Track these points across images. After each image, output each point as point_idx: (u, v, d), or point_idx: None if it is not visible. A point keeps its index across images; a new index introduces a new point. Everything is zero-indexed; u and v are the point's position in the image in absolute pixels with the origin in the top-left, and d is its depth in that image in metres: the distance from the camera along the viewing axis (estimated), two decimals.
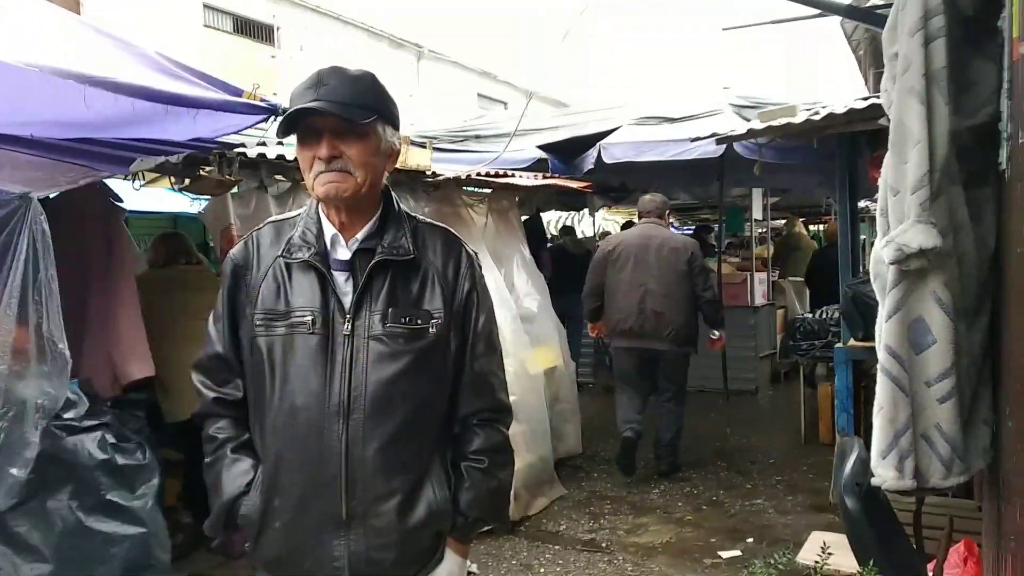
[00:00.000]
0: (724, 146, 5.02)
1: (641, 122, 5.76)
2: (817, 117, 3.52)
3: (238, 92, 2.79)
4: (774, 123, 3.72)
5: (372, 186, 1.55)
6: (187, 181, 3.41)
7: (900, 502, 2.10)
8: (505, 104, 27.23)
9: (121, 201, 3.64)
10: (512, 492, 2.61)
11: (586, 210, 10.74)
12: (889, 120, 1.84)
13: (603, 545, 4.08)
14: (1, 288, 2.32)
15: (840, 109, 3.44)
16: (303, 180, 4.15)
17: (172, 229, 5.42)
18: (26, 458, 2.31)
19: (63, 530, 2.40)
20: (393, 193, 1.65)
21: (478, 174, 4.97)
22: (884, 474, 1.74)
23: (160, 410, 4.03)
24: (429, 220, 1.69)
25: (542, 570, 3.80)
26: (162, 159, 2.81)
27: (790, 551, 2.58)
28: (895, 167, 1.81)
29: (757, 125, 3.88)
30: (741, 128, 4.14)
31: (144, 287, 3.72)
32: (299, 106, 1.47)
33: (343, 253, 1.57)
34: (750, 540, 4.07)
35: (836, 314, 5.68)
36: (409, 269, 1.56)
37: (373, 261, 1.54)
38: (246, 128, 2.89)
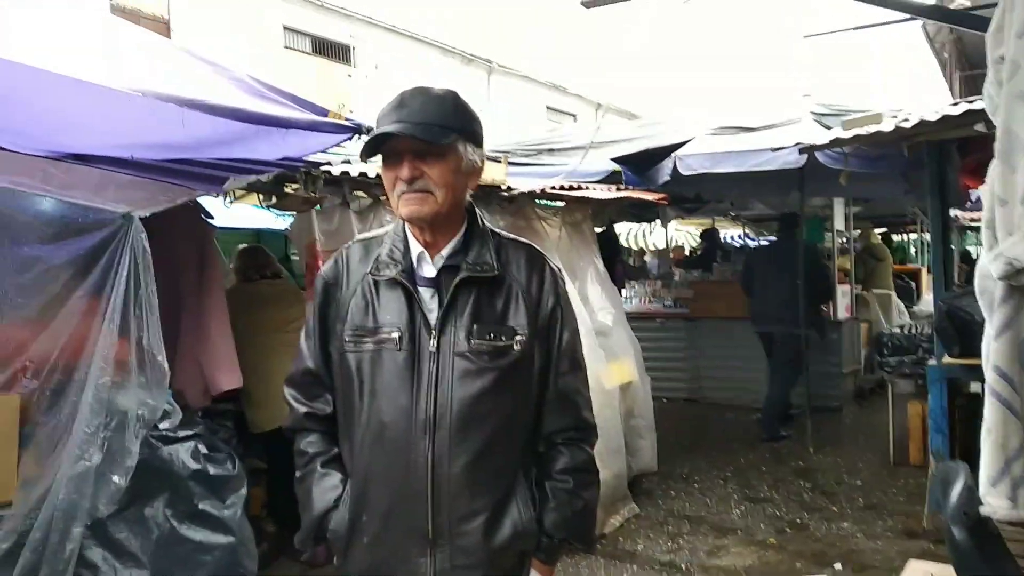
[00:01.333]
0: (806, 156, 4.89)
1: (718, 132, 5.66)
2: (908, 124, 3.38)
3: (324, 112, 2.87)
4: (861, 131, 3.60)
5: (454, 205, 1.56)
6: (274, 198, 3.52)
7: (1013, 533, 1.97)
8: (574, 116, 27.25)
9: (212, 218, 3.79)
10: None
11: (658, 221, 10.64)
12: (989, 126, 1.75)
13: (683, 567, 3.99)
14: (105, 303, 2.44)
15: (932, 115, 3.30)
16: (384, 197, 4.24)
17: (255, 244, 5.60)
18: (127, 466, 2.41)
19: (159, 537, 2.49)
20: (478, 210, 1.66)
21: (552, 187, 4.97)
22: (995, 503, 1.64)
23: (246, 420, 4.17)
24: (513, 236, 1.68)
25: None
26: (253, 178, 2.90)
27: None
28: (1003, 176, 1.72)
29: (843, 133, 3.76)
30: (824, 137, 4.01)
31: (232, 301, 3.85)
32: (378, 131, 1.50)
33: (429, 270, 1.58)
34: (837, 566, 3.91)
35: (927, 329, 5.44)
36: (493, 286, 1.56)
37: (458, 278, 1.54)
38: (331, 147, 2.97)
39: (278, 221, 7.08)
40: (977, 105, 3.12)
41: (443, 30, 21.43)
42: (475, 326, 1.52)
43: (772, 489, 5.18)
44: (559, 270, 1.67)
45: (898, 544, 4.14)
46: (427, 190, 1.51)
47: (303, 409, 1.68)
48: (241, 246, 4.68)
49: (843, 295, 7.76)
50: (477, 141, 1.58)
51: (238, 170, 3.02)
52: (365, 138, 1.86)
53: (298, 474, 1.68)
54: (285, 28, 18.00)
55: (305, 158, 3.05)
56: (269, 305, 4.19)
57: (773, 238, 13.87)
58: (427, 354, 1.52)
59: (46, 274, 2.65)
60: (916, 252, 16.47)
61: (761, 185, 7.02)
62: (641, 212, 9.16)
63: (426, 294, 1.57)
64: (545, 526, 1.57)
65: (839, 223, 7.79)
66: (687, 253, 12.29)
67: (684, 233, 14.14)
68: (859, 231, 11.25)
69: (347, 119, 2.80)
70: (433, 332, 1.52)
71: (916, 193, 6.35)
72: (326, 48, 19.00)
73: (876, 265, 9.31)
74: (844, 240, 8.49)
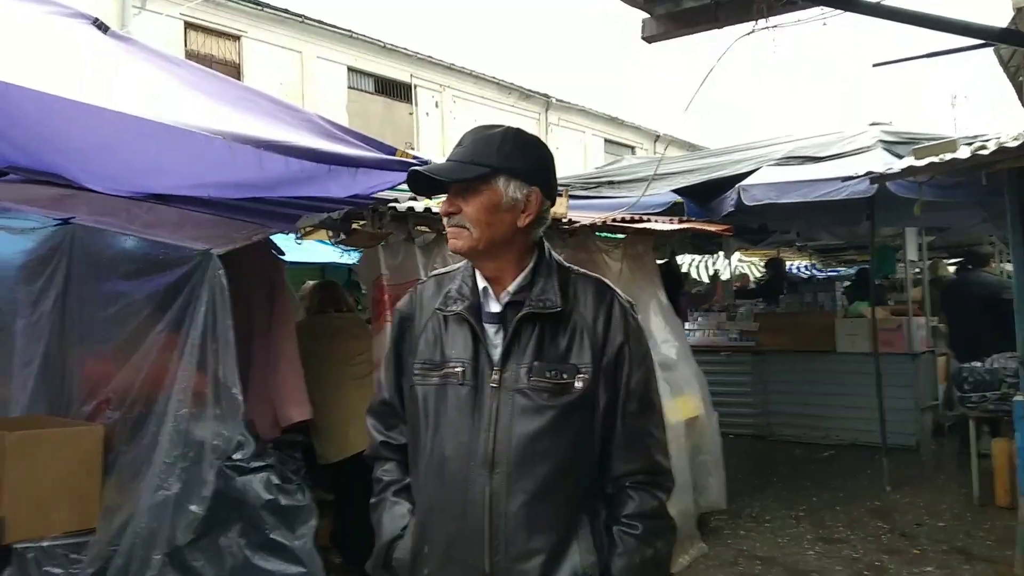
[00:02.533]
0: (876, 185, 4.77)
1: (783, 162, 5.58)
2: (986, 152, 3.26)
3: (392, 151, 2.94)
4: (936, 159, 3.49)
5: (494, 241, 1.54)
6: (342, 235, 3.61)
7: None
8: (633, 149, 27.24)
9: (283, 254, 3.90)
10: None
11: (721, 253, 10.48)
12: None
13: None
14: (184, 337, 2.53)
15: (1012, 142, 3.18)
16: (444, 231, 4.29)
17: (327, 279, 5.74)
18: (203, 496, 2.47)
19: (233, 566, 2.53)
20: (547, 245, 1.65)
21: (614, 219, 4.96)
22: None
23: (314, 452, 4.23)
24: (584, 271, 1.66)
25: None
26: (324, 215, 2.98)
27: None
28: None
29: (917, 162, 3.65)
30: (896, 165, 3.91)
31: (300, 334, 3.94)
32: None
33: (494, 306, 1.59)
34: None
35: (1011, 363, 5.19)
36: (558, 322, 1.54)
37: (520, 314, 1.54)
38: (399, 184, 3.04)
39: (343, 257, 7.24)
40: None
41: (501, 66, 21.83)
42: (536, 363, 1.51)
43: (847, 530, 4.97)
44: (630, 306, 1.62)
45: None
46: (462, 225, 1.54)
47: (380, 438, 1.73)
48: (312, 282, 4.79)
49: (918, 328, 7.48)
50: (526, 177, 1.55)
51: (310, 208, 3.13)
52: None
53: (372, 500, 1.74)
54: (349, 69, 18.60)
55: (373, 195, 3.13)
56: (337, 338, 4.27)
57: (842, 269, 13.48)
58: (489, 390, 1.52)
59: (129, 309, 2.77)
60: None
61: (828, 215, 6.86)
62: (703, 243, 9.05)
63: (491, 330, 1.57)
64: (612, 572, 1.51)
65: (912, 253, 7.53)
66: (751, 284, 12.03)
67: (747, 264, 13.89)
68: (930, 261, 10.88)
69: (414, 156, 2.87)
70: (495, 368, 1.53)
71: (994, 222, 6.11)
72: (388, 88, 19.54)
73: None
74: (917, 271, 8.20)
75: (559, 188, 5.26)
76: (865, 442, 7.10)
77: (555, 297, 1.55)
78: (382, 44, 18.94)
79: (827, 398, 7.59)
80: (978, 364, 5.45)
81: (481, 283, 1.61)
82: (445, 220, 1.58)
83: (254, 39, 15.81)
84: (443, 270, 1.73)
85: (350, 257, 7.48)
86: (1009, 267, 13.63)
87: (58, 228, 3.10)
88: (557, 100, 24.11)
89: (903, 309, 7.67)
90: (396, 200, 3.30)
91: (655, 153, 26.49)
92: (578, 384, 1.51)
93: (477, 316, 1.58)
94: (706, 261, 12.42)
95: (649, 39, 3.98)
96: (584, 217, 4.87)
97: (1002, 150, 3.22)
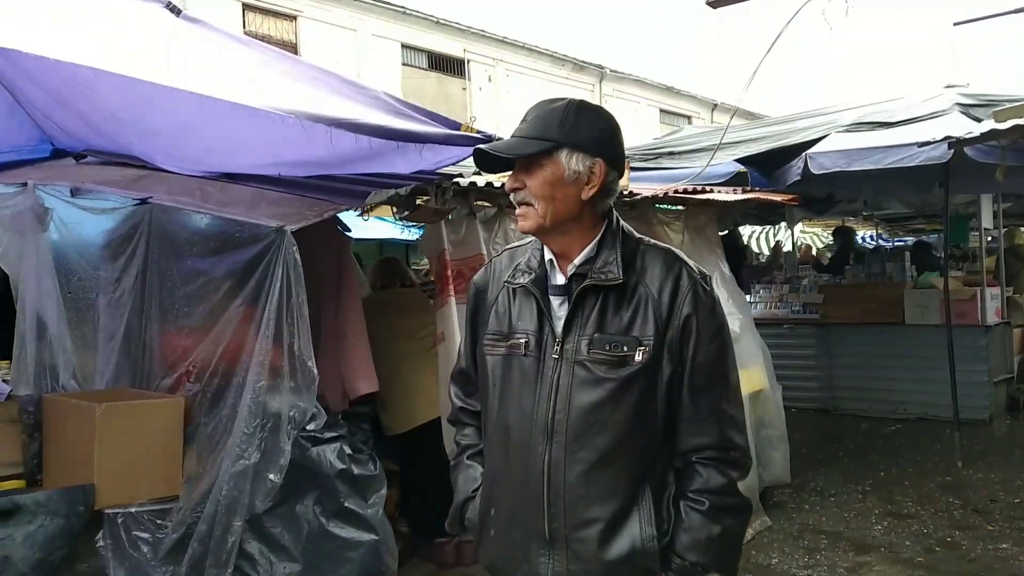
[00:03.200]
0: (951, 151, 4.59)
1: (853, 128, 5.38)
2: None
3: (456, 126, 2.95)
4: (1021, 121, 3.33)
5: (560, 215, 1.54)
6: (406, 211, 3.65)
7: None
8: (689, 118, 26.72)
9: (349, 231, 3.97)
10: None
11: (783, 223, 10.25)
12: None
13: None
14: (260, 312, 2.61)
15: None
16: (508, 206, 4.27)
17: (389, 255, 5.82)
18: (280, 465, 2.56)
19: (309, 533, 2.62)
20: (616, 216, 1.63)
21: (676, 191, 4.89)
22: None
23: (379, 423, 4.33)
24: (654, 242, 1.64)
25: None
26: (392, 192, 3.02)
27: None
28: None
29: (999, 125, 3.50)
30: (975, 129, 3.74)
31: (366, 309, 4.01)
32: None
33: (560, 278, 1.60)
34: None
35: None
36: (621, 294, 1.54)
37: (581, 286, 1.54)
38: (464, 159, 3.05)
39: (401, 232, 7.34)
40: None
41: (554, 38, 21.59)
42: (597, 335, 1.52)
43: (917, 505, 4.86)
44: (702, 278, 1.58)
45: None
46: (527, 202, 1.54)
47: (459, 404, 1.81)
48: (379, 258, 4.87)
49: (992, 298, 7.21)
50: (588, 149, 1.53)
51: (377, 184, 3.16)
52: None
53: (452, 463, 1.82)
54: (403, 46, 18.67)
55: (439, 170, 3.15)
56: (402, 313, 4.34)
57: (909, 238, 13.03)
58: (551, 361, 1.54)
59: (207, 285, 2.87)
60: None
61: (898, 182, 6.65)
62: (766, 214, 8.85)
63: (556, 302, 1.58)
64: (676, 546, 1.51)
65: (987, 220, 7.23)
66: (820, 257, 11.72)
67: (810, 235, 13.56)
68: (1004, 229, 10.42)
69: (479, 131, 2.87)
70: (557, 339, 1.54)
71: None
72: (442, 63, 19.55)
73: (1021, 266, 8.58)
74: (991, 239, 7.88)
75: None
76: (935, 416, 6.90)
77: (616, 269, 1.54)
78: (435, 19, 18.93)
79: (895, 371, 7.39)
80: None
81: (548, 255, 1.62)
82: (511, 196, 1.58)
83: (310, 18, 15.98)
84: (517, 243, 1.74)
85: (409, 233, 7.58)
86: None
87: (137, 208, 3.21)
88: (611, 71, 23.75)
89: (976, 279, 7.39)
90: (460, 175, 3.31)
91: (712, 123, 25.93)
92: (638, 357, 1.50)
93: (543, 289, 1.59)
94: (767, 232, 12.17)
95: (714, 4, 3.89)
96: (645, 189, 4.81)
97: None
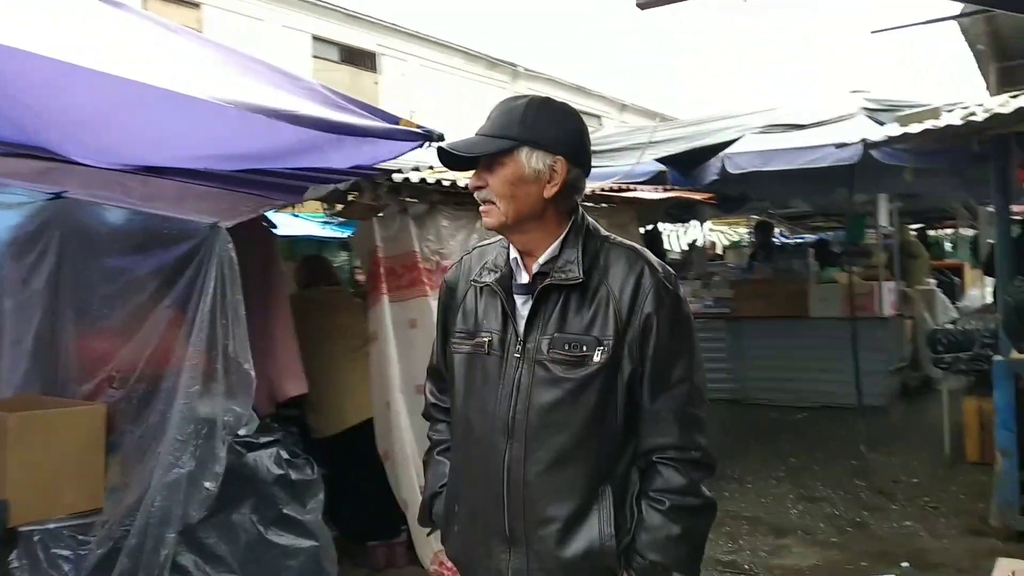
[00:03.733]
0: (860, 152, 4.85)
1: (766, 130, 5.61)
2: (979, 118, 3.33)
3: (395, 120, 2.90)
4: (932, 125, 3.56)
5: (522, 213, 1.53)
6: (338, 207, 3.57)
7: None
8: (599, 118, 27.21)
9: (275, 227, 3.84)
10: None
11: (694, 221, 10.58)
12: None
13: (745, 567, 3.96)
14: (193, 312, 2.49)
15: (1007, 108, 3.25)
16: (438, 202, 4.23)
17: (314, 252, 5.66)
18: (216, 472, 2.45)
19: (247, 542, 2.52)
20: (582, 214, 1.62)
21: (604, 189, 4.97)
22: None
23: (306, 426, 4.21)
24: (620, 240, 1.61)
25: None
26: (332, 187, 2.93)
27: None
28: None
29: (912, 128, 3.72)
30: (893, 131, 3.97)
31: (292, 308, 3.89)
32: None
33: (524, 277, 1.59)
34: (905, 564, 3.85)
35: (984, 325, 5.37)
36: (583, 293, 1.53)
37: (540, 285, 1.54)
38: (402, 154, 3.00)
39: (323, 229, 7.17)
40: None
41: (468, 35, 21.56)
42: (557, 334, 1.51)
43: (827, 488, 5.12)
44: (666, 276, 1.56)
45: (965, 542, 4.09)
46: (489, 200, 1.54)
47: (432, 400, 1.81)
48: (303, 255, 4.73)
49: (888, 292, 7.67)
50: (550, 147, 1.52)
51: (311, 179, 3.07)
52: (435, 144, 1.89)
53: (423, 458, 1.84)
54: (314, 38, 18.21)
55: (376, 165, 3.08)
56: (329, 312, 4.23)
57: (808, 236, 13.69)
58: (513, 360, 1.54)
59: (131, 285, 2.71)
60: (953, 247, 16.25)
61: (805, 182, 6.97)
62: (678, 212, 9.11)
63: (520, 301, 1.58)
64: (636, 544, 1.50)
65: (883, 219, 7.69)
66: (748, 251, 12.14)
67: (719, 233, 14.07)
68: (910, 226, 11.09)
69: (419, 126, 2.83)
70: (519, 338, 1.54)
71: (968, 189, 6.28)
72: (354, 56, 19.19)
73: (911, 262, 9.17)
74: (886, 236, 8.38)
75: None
76: (838, 404, 7.29)
77: (577, 268, 1.53)
78: (347, 12, 18.54)
79: (800, 362, 7.76)
80: (951, 326, 5.62)
81: (513, 254, 1.61)
82: (475, 194, 1.57)
83: (215, 7, 15.36)
84: (490, 240, 1.72)
85: (331, 230, 7.43)
86: (970, 232, 13.97)
87: (47, 203, 3.00)
88: (525, 69, 23.91)
89: (873, 274, 7.85)
90: (399, 171, 3.26)
91: (621, 123, 26.51)
92: (597, 357, 1.49)
93: (507, 287, 1.59)
94: (678, 231, 12.54)
95: (642, 6, 3.95)
96: None
97: (996, 116, 3.29)
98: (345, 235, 7.50)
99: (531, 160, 1.52)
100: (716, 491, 4.89)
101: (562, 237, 1.57)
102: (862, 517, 4.58)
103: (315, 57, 17.77)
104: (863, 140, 4.21)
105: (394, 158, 3.06)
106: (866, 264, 8.76)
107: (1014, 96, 4.09)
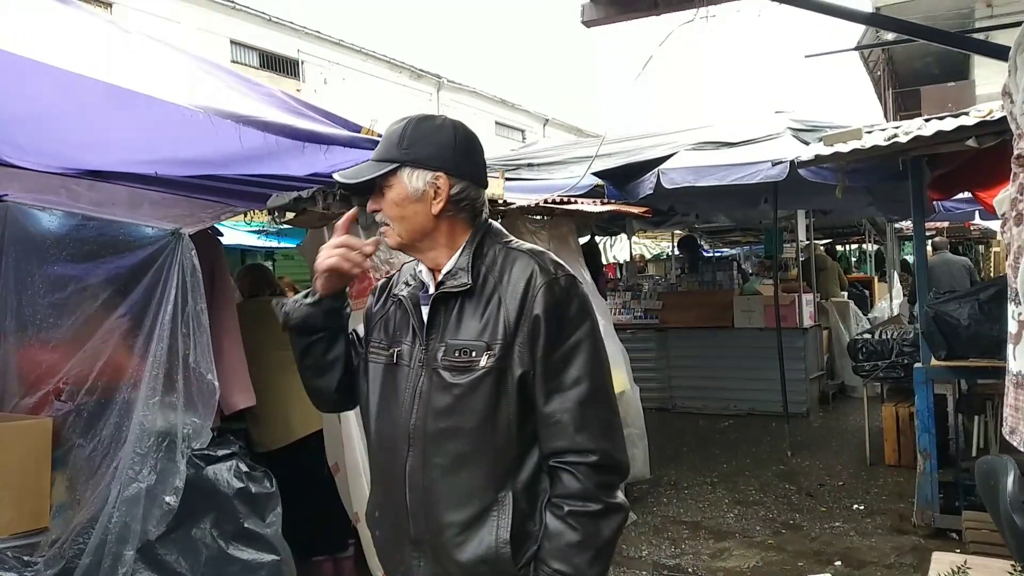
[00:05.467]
0: (786, 169, 5.10)
1: (699, 147, 5.84)
2: (904, 139, 3.57)
3: (357, 128, 2.89)
4: (859, 145, 3.79)
5: (414, 232, 1.56)
6: (286, 215, 3.49)
7: None
8: (523, 132, 27.52)
9: (221, 235, 3.73)
10: None
11: (622, 234, 10.83)
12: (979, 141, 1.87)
13: (689, 570, 4.08)
14: (151, 321, 2.40)
15: (927, 131, 3.50)
16: None
17: (255, 262, 5.51)
18: (176, 487, 2.37)
19: (208, 558, 2.45)
20: (485, 222, 1.63)
21: (547, 201, 5.05)
22: None
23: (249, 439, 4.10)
24: (519, 246, 1.60)
25: None
26: (295, 194, 2.89)
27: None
28: None
29: (842, 147, 3.95)
30: (822, 151, 4.20)
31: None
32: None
33: (432, 289, 1.61)
34: (838, 563, 4.06)
35: (898, 334, 5.71)
36: (475, 300, 1.54)
37: (433, 294, 1.56)
38: (362, 163, 2.98)
39: (259, 239, 6.99)
40: (969, 121, 3.35)
41: (392, 45, 21.46)
42: (450, 341, 1.53)
43: (760, 492, 5.33)
44: (559, 277, 1.52)
45: (891, 540, 4.33)
46: (385, 222, 1.58)
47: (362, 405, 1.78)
48: (245, 265, 4.61)
49: (806, 303, 8.05)
50: (428, 164, 1.53)
51: (265, 186, 3.01)
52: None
53: None
54: (232, 42, 17.77)
55: (333, 173, 3.05)
56: (273, 322, 4.09)
57: (727, 250, 14.20)
58: (414, 369, 1.56)
59: (81, 293, 2.60)
60: (859, 261, 17.18)
61: (729, 198, 7.25)
62: (607, 225, 9.32)
63: (425, 311, 1.59)
64: (541, 553, 1.49)
65: (801, 234, 8.09)
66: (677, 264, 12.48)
67: (642, 246, 14.41)
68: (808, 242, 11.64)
69: (379, 135, 2.82)
70: (420, 347, 1.57)
71: (879, 205, 6.67)
72: (274, 63, 18.82)
73: (820, 275, 9.64)
74: (801, 250, 8.81)
75: (493, 170, 5.30)
76: (761, 411, 7.62)
77: (466, 275, 1.54)
78: (267, 16, 18.19)
79: (725, 371, 8.06)
80: (869, 335, 5.95)
81: (420, 267, 1.63)
82: (375, 218, 1.60)
83: (127, 6, 14.79)
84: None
85: (264, 240, 7.24)
86: (872, 247, 14.71)
87: None
88: (449, 81, 23.97)
89: (793, 286, 8.23)
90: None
91: (544, 136, 26.87)
92: (483, 361, 1.49)
93: (416, 300, 1.61)
94: (604, 242, 12.79)
95: (588, 23, 4.06)
96: (519, 199, 4.93)
97: (918, 138, 3.54)
98: (279, 245, 7.34)
99: (412, 179, 1.53)
100: (655, 497, 5.04)
101: (461, 248, 1.59)
102: (795, 519, 4.80)
103: (234, 62, 17.32)
104: (795, 159, 4.44)
105: (351, 167, 3.05)
106: (783, 277, 9.18)
107: (928, 120, 4.41)
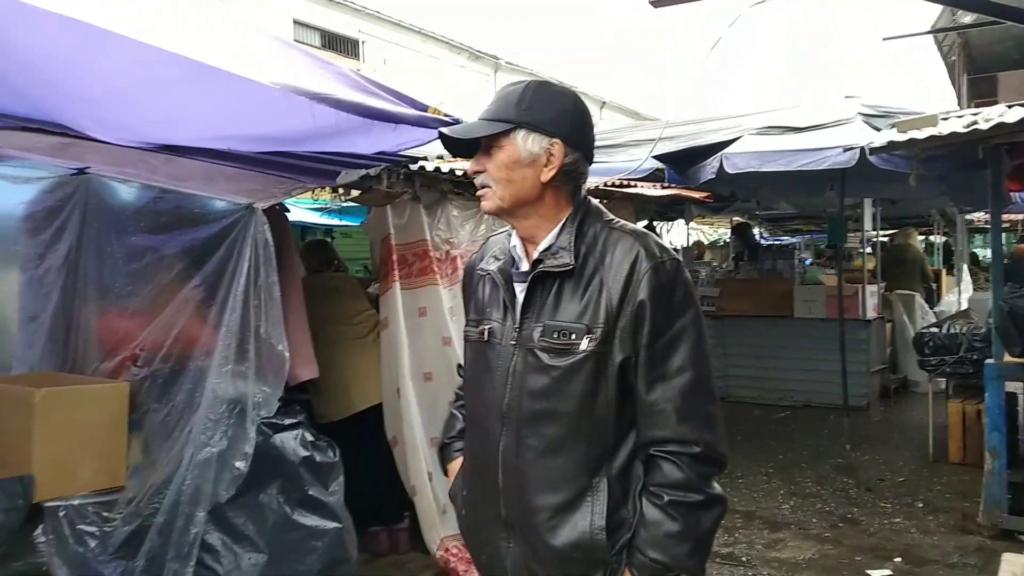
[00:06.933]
0: (856, 156, 4.96)
1: (765, 131, 5.71)
2: (986, 126, 3.43)
3: (424, 107, 2.91)
4: (936, 132, 3.65)
5: (519, 198, 1.52)
6: (352, 192, 3.56)
7: None
8: None
9: (288, 211, 3.82)
10: None
11: (680, 220, 10.69)
12: None
13: (743, 559, 4.05)
14: (225, 293, 2.48)
15: (1010, 117, 3.35)
16: (449, 192, 4.23)
17: (318, 238, 5.63)
18: (246, 453, 2.45)
19: (273, 523, 2.53)
20: (585, 199, 1.59)
21: (605, 184, 5.02)
22: None
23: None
24: (623, 226, 1.55)
25: None
26: (363, 172, 2.93)
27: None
28: None
29: (918, 134, 3.81)
30: (897, 137, 4.06)
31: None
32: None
33: (524, 265, 1.58)
34: (898, 559, 3.97)
35: (967, 328, 5.51)
36: (578, 280, 1.50)
37: (533, 273, 1.52)
38: (428, 142, 3.01)
39: (321, 216, 7.12)
40: None
41: (451, 26, 21.51)
42: (548, 322, 1.49)
43: (816, 485, 5.24)
44: (665, 261, 1.48)
45: (954, 539, 4.21)
46: (486, 185, 1.53)
47: (459, 382, 1.81)
48: (309, 240, 4.71)
49: (870, 295, 7.84)
50: (546, 130, 1.49)
51: (334, 163, 3.06)
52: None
53: (445, 441, 1.84)
54: (295, 22, 18.04)
55: (400, 152, 3.08)
56: (336, 297, 4.22)
57: (786, 238, 13.91)
58: (509, 348, 1.53)
59: (157, 263, 2.69)
60: (927, 253, 16.63)
61: (793, 185, 7.09)
62: (664, 210, 9.21)
63: (519, 288, 1.57)
64: (636, 542, 1.46)
65: (868, 223, 7.86)
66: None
67: (699, 232, 14.23)
68: (895, 231, 11.21)
69: (445, 114, 2.84)
70: (516, 327, 1.53)
71: (952, 195, 6.44)
72: (335, 43, 19.04)
73: (898, 267, 9.32)
74: (870, 240, 8.57)
75: None
76: (819, 403, 7.47)
77: (568, 255, 1.50)
78: None
79: (783, 361, 7.91)
80: (936, 329, 5.77)
81: (514, 241, 1.61)
82: (475, 180, 1.57)
83: None
84: (502, 230, 1.72)
85: (326, 218, 7.38)
86: (940, 239, 14.22)
87: (70, 178, 2.95)
88: (506, 62, 23.91)
89: (857, 277, 8.01)
90: (425, 158, 3.27)
91: (600, 119, 26.63)
92: (584, 345, 1.45)
93: (507, 276, 1.59)
94: (662, 228, 12.66)
95: (656, 3, 4.00)
96: None
97: (1000, 126, 3.40)
98: (339, 223, 7.46)
99: (527, 143, 1.49)
100: None
101: (561, 223, 1.55)
102: (852, 513, 4.70)
103: (296, 41, 17.54)
104: (867, 145, 4.30)
105: (418, 146, 3.08)
106: (847, 267, 8.95)
107: (1010, 107, 4.23)
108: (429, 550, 3.81)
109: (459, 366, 1.83)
